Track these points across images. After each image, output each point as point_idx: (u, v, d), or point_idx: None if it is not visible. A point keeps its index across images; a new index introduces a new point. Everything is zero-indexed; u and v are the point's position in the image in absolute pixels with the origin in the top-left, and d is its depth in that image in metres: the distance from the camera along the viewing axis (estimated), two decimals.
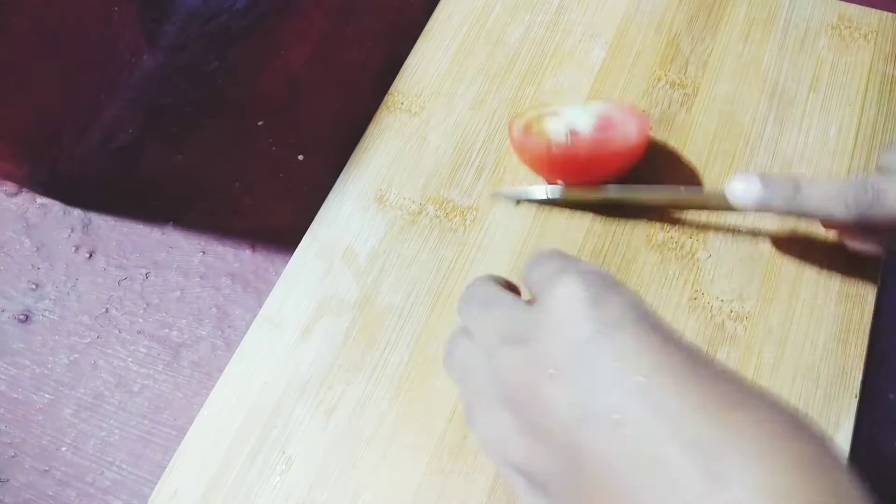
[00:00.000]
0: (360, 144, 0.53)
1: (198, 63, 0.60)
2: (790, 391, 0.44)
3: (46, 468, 0.47)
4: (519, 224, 0.50)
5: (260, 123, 0.57)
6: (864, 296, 0.47)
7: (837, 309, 0.46)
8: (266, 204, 0.54)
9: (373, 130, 0.54)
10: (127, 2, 0.56)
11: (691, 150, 0.52)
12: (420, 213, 0.51)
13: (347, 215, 0.51)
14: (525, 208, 0.50)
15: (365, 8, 0.62)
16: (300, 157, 0.56)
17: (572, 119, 0.48)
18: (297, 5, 0.62)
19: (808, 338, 0.45)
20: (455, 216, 0.51)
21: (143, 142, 0.57)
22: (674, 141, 0.52)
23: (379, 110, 0.55)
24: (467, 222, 0.50)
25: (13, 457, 0.47)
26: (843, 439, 0.43)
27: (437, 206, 0.51)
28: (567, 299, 0.31)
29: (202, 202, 0.55)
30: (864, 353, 0.45)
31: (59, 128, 0.55)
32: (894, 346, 0.48)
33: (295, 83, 0.59)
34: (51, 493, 0.46)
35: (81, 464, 0.47)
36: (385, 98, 0.55)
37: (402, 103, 0.55)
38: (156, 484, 0.44)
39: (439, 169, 0.52)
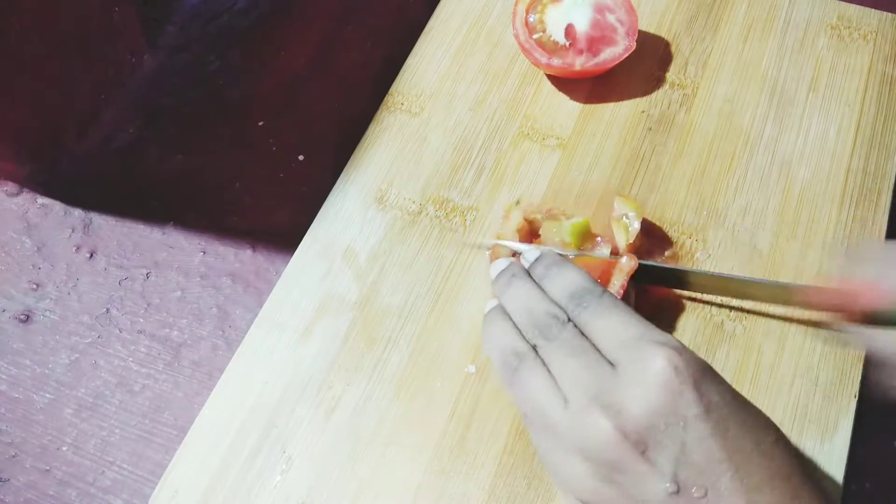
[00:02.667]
0: (360, 144, 0.54)
1: (198, 63, 0.60)
2: (789, 391, 0.44)
3: (47, 468, 0.47)
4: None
5: (260, 123, 0.57)
6: None
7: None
8: (266, 204, 0.55)
9: (373, 130, 0.54)
10: (127, 2, 0.56)
11: (691, 151, 0.52)
12: (420, 213, 0.51)
13: (347, 215, 0.51)
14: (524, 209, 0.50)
15: (365, 8, 0.62)
16: (300, 157, 0.56)
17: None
18: (298, 6, 0.62)
19: (808, 338, 0.45)
20: (455, 216, 0.51)
21: (143, 142, 0.57)
22: (673, 142, 0.52)
23: (379, 110, 0.55)
24: (467, 222, 0.50)
25: (14, 456, 0.47)
26: (842, 439, 0.43)
27: (437, 206, 0.51)
28: (666, 377, 0.32)
29: (202, 202, 0.55)
30: (864, 352, 0.45)
31: (59, 128, 0.55)
32: None
33: (295, 83, 0.59)
34: (52, 493, 0.46)
35: (82, 463, 0.47)
36: (385, 98, 0.55)
37: (402, 103, 0.55)
38: (156, 483, 0.44)
39: (439, 169, 0.52)
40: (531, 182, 0.51)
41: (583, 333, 0.36)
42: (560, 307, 0.38)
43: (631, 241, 0.46)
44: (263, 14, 0.62)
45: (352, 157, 0.53)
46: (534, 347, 0.37)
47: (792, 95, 0.53)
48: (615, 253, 0.47)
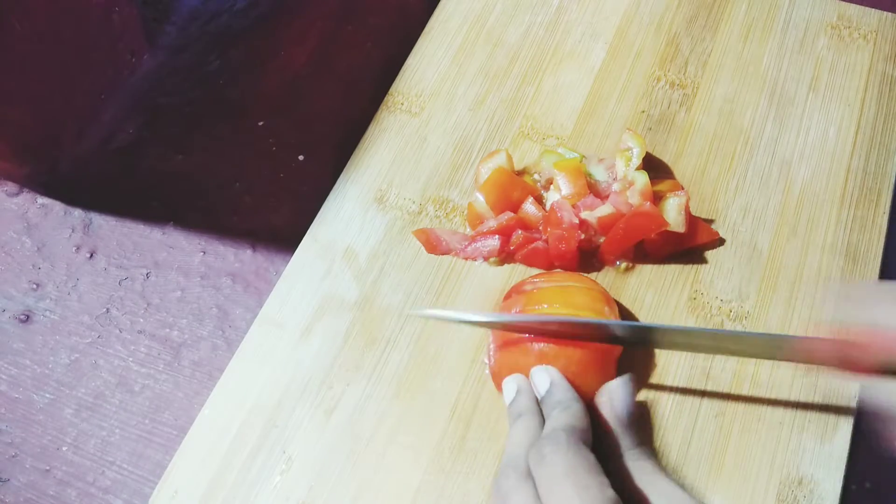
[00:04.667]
0: (360, 144, 0.54)
1: (198, 63, 0.60)
2: (789, 391, 0.44)
3: (47, 468, 0.47)
4: None
5: (260, 123, 0.57)
6: None
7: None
8: (266, 204, 0.55)
9: (373, 130, 0.54)
10: (127, 2, 0.56)
11: (691, 151, 0.52)
12: (420, 213, 0.51)
13: (347, 216, 0.51)
14: None
15: (365, 8, 0.62)
16: (300, 157, 0.56)
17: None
18: (298, 5, 0.62)
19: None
20: (455, 216, 0.51)
21: (143, 142, 0.57)
22: (674, 141, 0.52)
23: (379, 110, 0.55)
24: (468, 222, 0.50)
25: (14, 456, 0.47)
26: (842, 439, 0.43)
27: (438, 206, 0.51)
28: None
29: (202, 202, 0.55)
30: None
31: (59, 128, 0.55)
32: None
33: (295, 83, 0.59)
34: (52, 493, 0.46)
35: (82, 463, 0.47)
36: (385, 98, 0.55)
37: (402, 103, 0.55)
38: (156, 483, 0.44)
39: (439, 169, 0.52)
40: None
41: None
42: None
43: (629, 170, 0.48)
44: (263, 14, 0.62)
45: (352, 157, 0.53)
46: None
47: (792, 95, 0.53)
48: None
